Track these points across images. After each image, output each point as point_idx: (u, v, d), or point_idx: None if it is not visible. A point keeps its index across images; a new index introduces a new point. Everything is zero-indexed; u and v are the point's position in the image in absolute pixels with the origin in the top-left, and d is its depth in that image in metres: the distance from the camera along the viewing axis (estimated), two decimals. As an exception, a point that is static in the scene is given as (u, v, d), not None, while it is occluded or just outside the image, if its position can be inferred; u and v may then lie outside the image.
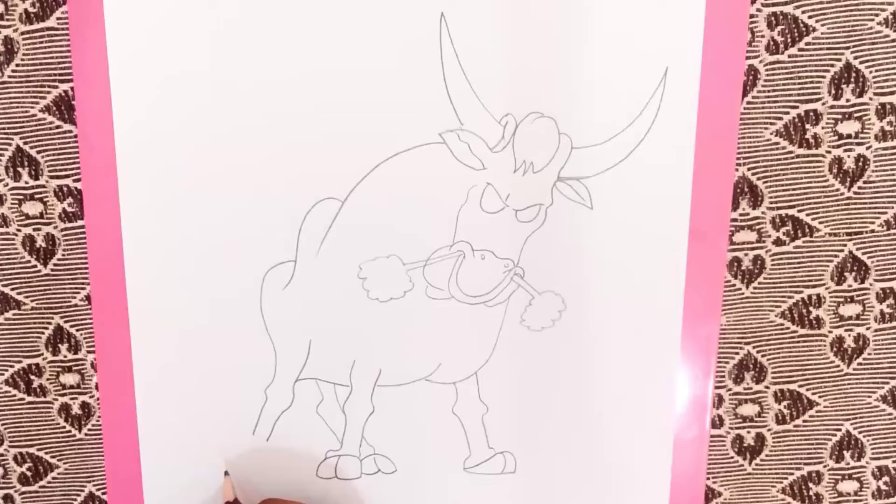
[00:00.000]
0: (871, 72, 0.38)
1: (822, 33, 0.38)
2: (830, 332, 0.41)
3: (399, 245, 0.39)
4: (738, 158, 0.39)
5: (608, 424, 0.41)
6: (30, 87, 0.38)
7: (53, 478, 0.42)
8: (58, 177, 0.39)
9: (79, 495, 0.42)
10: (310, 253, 0.39)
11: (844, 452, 0.42)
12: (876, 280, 0.40)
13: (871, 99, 0.38)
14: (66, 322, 0.40)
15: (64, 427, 0.42)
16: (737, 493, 0.43)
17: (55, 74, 0.38)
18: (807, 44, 0.38)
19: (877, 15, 0.37)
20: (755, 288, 0.40)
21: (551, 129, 0.38)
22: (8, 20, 0.37)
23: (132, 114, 0.38)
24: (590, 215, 0.39)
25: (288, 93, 0.38)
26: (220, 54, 0.37)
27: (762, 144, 0.39)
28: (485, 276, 0.39)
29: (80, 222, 0.39)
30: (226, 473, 0.40)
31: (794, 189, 0.39)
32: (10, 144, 0.39)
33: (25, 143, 0.39)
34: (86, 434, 0.42)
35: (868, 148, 0.39)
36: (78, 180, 0.39)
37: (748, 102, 0.38)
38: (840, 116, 0.39)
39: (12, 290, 0.40)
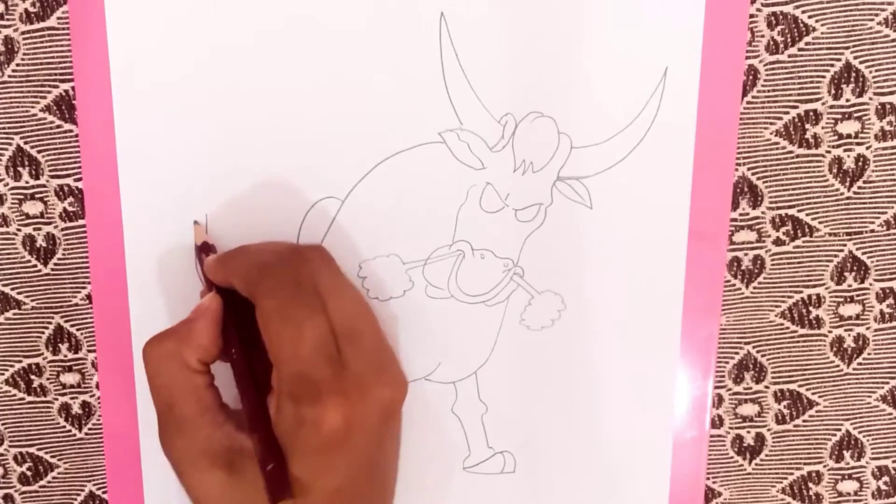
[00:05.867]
0: (871, 72, 0.38)
1: (822, 33, 0.38)
2: (830, 332, 0.41)
3: (399, 244, 0.39)
4: (738, 158, 0.39)
5: (608, 424, 0.41)
6: (30, 87, 0.38)
7: (53, 477, 0.42)
8: (58, 176, 0.39)
9: (79, 495, 0.42)
10: (310, 252, 0.39)
11: (844, 452, 0.42)
12: (876, 280, 0.40)
13: (870, 99, 0.38)
14: (66, 321, 0.40)
15: (64, 427, 0.42)
16: (737, 493, 0.43)
17: (56, 74, 0.38)
18: (807, 44, 0.38)
19: (877, 15, 0.37)
20: (755, 288, 0.40)
21: (551, 129, 0.38)
22: (8, 20, 0.37)
23: (133, 113, 0.38)
24: (589, 215, 0.39)
25: (288, 92, 0.38)
26: (221, 53, 0.37)
27: (762, 144, 0.39)
28: (484, 275, 0.39)
29: (80, 222, 0.39)
30: (195, 223, 0.38)
31: (793, 189, 0.39)
32: (10, 144, 0.39)
33: (26, 143, 0.39)
34: (86, 434, 0.42)
35: (868, 148, 0.39)
36: (79, 180, 0.39)
37: (748, 102, 0.38)
38: (840, 116, 0.39)
39: (12, 289, 0.40)
